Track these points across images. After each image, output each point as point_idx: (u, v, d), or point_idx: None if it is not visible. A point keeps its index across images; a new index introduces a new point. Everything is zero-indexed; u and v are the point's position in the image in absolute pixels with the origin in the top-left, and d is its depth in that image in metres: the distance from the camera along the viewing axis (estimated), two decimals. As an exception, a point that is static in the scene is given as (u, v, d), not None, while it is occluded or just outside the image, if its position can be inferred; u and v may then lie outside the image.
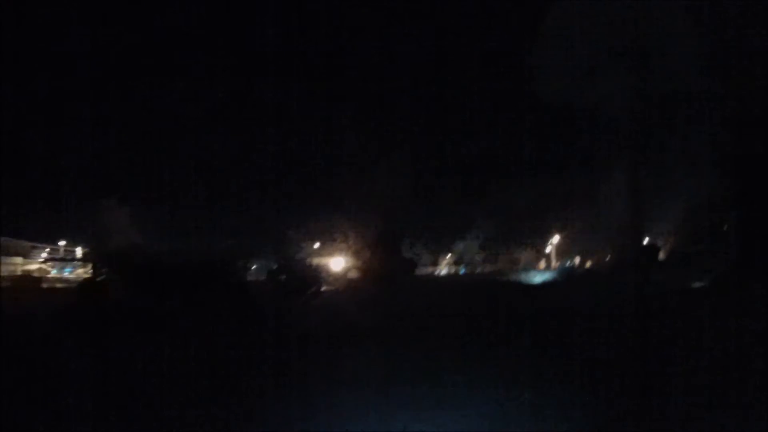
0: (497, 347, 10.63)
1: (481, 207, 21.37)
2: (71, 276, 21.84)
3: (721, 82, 15.97)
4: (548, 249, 22.72)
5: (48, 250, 22.09)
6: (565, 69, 16.77)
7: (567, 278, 21.10)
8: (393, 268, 19.66)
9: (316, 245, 20.38)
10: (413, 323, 13.20)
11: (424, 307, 15.53)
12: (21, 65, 19.19)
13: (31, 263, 21.67)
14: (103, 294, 16.88)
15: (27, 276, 21.18)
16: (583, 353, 9.13)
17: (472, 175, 21.63)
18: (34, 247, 21.74)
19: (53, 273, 22.06)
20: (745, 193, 15.60)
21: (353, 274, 20.26)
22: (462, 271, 22.94)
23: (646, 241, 19.29)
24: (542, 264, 22.66)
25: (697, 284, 16.59)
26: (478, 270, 22.53)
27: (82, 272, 21.37)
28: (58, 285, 21.27)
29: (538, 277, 21.68)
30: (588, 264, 22.57)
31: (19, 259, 21.26)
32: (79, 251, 22.07)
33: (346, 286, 19.86)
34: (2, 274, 19.32)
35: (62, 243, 21.91)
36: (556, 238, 22.59)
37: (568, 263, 22.67)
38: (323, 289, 19.55)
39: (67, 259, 22.21)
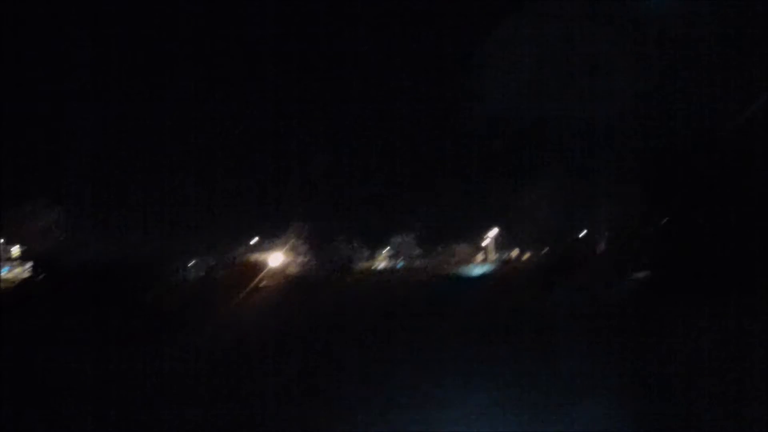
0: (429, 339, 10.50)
1: (419, 202, 21.82)
2: (9, 276, 21.59)
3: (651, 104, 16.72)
4: (485, 242, 23.34)
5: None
6: (511, 84, 17.74)
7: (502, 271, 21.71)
8: (328, 263, 19.99)
9: (254, 241, 20.59)
10: (346, 320, 13.40)
11: (357, 302, 15.82)
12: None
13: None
14: (43, 294, 16.80)
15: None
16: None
17: (412, 171, 22.15)
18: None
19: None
20: (666, 201, 16.11)
21: (291, 270, 20.52)
22: (399, 265, 23.36)
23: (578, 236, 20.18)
24: (479, 257, 23.25)
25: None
26: (416, 264, 22.96)
27: (20, 272, 21.14)
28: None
29: (475, 270, 22.27)
30: (525, 257, 23.24)
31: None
32: (15, 250, 21.84)
33: (284, 282, 20.09)
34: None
35: (-1, 242, 21.68)
36: (493, 232, 23.19)
37: (504, 256, 23.30)
38: (262, 285, 19.74)
39: (4, 258, 21.94)
